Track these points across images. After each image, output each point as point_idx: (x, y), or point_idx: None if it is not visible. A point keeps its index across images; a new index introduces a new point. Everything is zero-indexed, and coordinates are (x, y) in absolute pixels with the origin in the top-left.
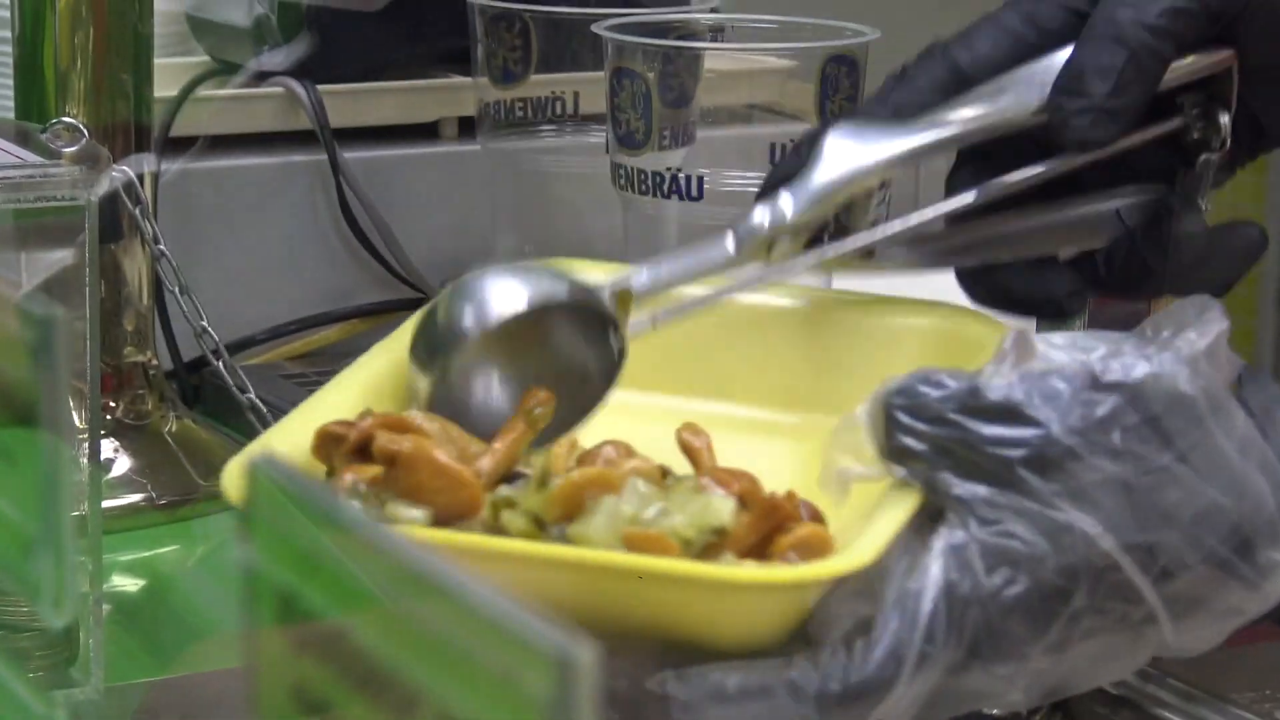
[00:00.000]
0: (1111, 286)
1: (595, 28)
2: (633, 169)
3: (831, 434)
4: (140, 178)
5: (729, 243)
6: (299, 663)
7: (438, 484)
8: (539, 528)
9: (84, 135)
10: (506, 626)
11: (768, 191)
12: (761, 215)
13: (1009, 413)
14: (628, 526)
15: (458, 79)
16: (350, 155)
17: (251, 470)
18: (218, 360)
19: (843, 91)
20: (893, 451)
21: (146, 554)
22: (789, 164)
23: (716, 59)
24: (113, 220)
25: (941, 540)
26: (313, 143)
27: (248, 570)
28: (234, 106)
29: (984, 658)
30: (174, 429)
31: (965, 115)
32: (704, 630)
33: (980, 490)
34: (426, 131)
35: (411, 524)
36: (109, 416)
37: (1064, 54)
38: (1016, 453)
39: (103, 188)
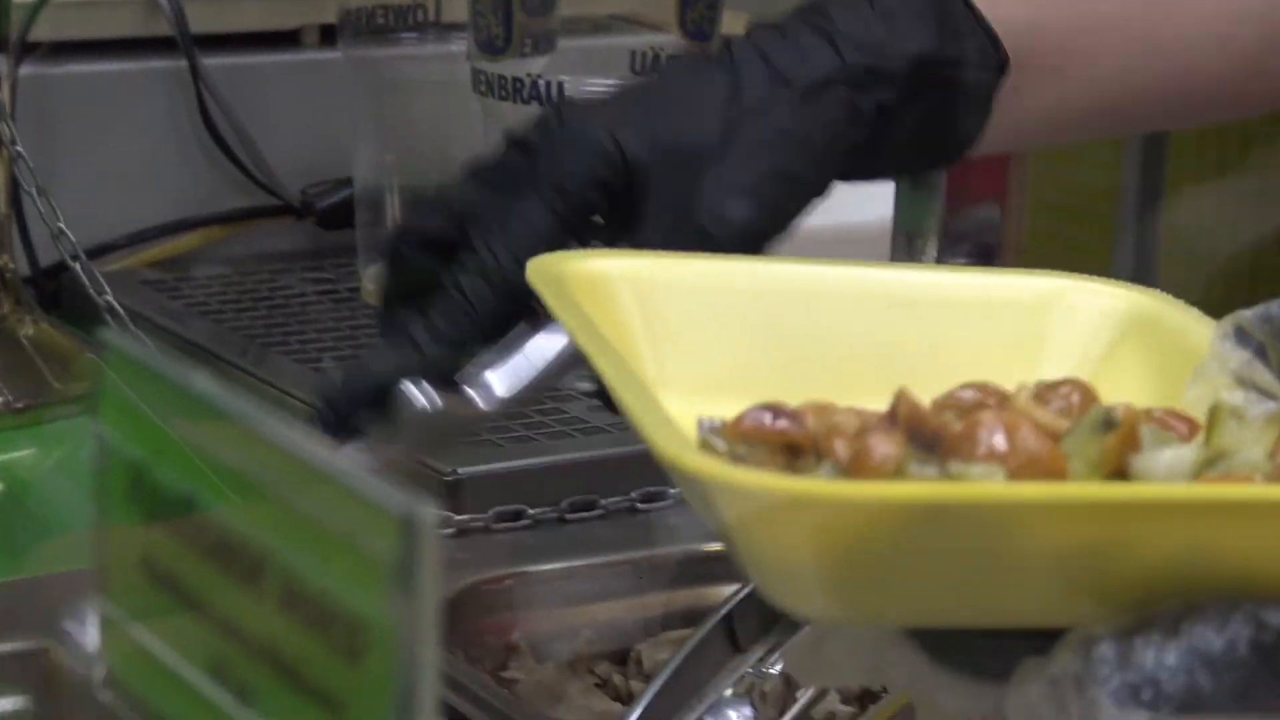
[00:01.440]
0: None
1: None
2: (493, 75)
3: (1207, 367)
4: None
5: None
6: (148, 534)
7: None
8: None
9: None
10: (350, 488)
11: None
12: None
13: None
14: (1205, 472)
15: None
16: (211, 62)
17: (103, 350)
18: (75, 263)
19: (704, 1)
20: None
21: (2, 458)
22: None
23: None
24: None
25: None
26: (173, 49)
27: (99, 445)
28: (94, 12)
29: None
30: (30, 333)
31: None
32: None
33: None
34: (288, 39)
35: (989, 479)
36: None
37: None
38: None
39: None
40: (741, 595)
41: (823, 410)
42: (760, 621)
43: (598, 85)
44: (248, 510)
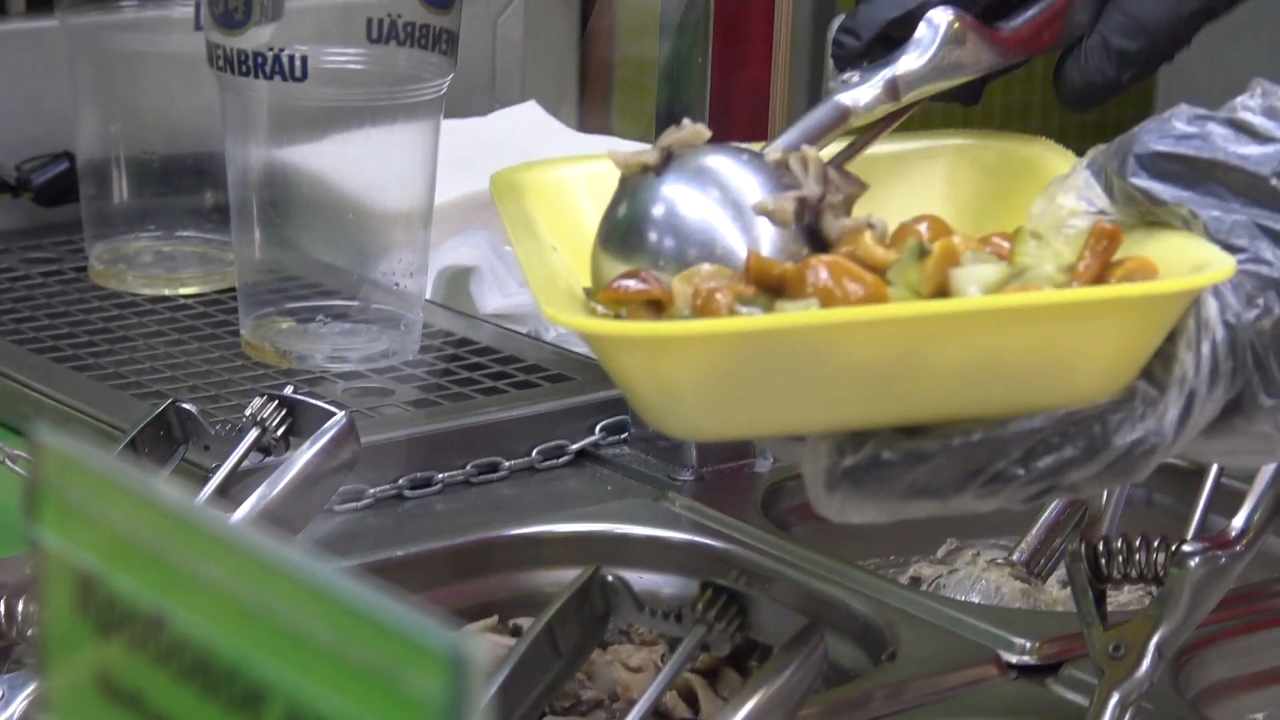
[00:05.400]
0: None
1: None
2: (232, 50)
3: (1055, 183)
4: None
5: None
6: (102, 649)
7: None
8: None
9: None
10: (387, 621)
11: (855, 38)
12: (875, 90)
13: (1256, 132)
14: (1006, 286)
15: None
16: None
17: (40, 450)
18: None
19: None
20: (1129, 189)
21: None
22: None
23: None
24: None
25: None
26: None
27: (40, 551)
28: None
29: (1254, 389)
30: None
31: None
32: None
33: (1229, 212)
34: None
35: (807, 311)
36: None
37: None
38: (1266, 168)
39: None
40: (562, 602)
41: (691, 275)
42: (580, 627)
43: (338, 56)
44: (241, 633)
